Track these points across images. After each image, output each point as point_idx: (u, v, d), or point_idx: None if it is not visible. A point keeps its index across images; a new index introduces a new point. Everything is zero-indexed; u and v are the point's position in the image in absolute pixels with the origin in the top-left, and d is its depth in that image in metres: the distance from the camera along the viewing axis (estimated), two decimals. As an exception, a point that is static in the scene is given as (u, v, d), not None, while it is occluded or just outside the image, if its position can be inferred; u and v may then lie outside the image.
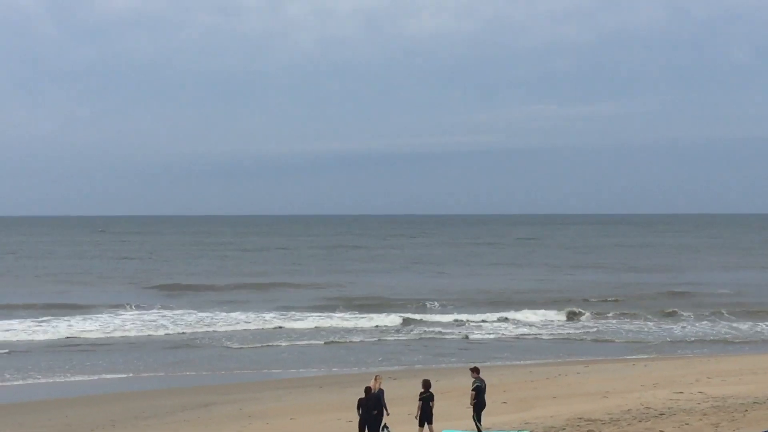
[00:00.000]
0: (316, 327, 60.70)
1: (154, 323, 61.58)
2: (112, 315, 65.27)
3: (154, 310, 68.06)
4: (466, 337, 56.85)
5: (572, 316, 65.91)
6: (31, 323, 60.05)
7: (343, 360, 48.01)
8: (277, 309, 68.78)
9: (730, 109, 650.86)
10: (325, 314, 65.79)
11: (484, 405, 25.41)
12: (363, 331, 59.61)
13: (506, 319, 64.10)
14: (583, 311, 67.56)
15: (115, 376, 43.09)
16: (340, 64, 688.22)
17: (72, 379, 42.21)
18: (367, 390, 24.02)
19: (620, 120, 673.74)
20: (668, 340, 56.31)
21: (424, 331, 59.39)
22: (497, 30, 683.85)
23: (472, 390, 25.23)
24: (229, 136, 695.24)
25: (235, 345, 53.04)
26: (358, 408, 24.06)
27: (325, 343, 54.31)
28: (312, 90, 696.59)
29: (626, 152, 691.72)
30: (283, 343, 53.91)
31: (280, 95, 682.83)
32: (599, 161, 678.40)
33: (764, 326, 61.28)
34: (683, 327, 61.65)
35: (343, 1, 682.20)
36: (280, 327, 60.46)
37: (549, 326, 62.14)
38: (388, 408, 24.24)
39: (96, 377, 42.76)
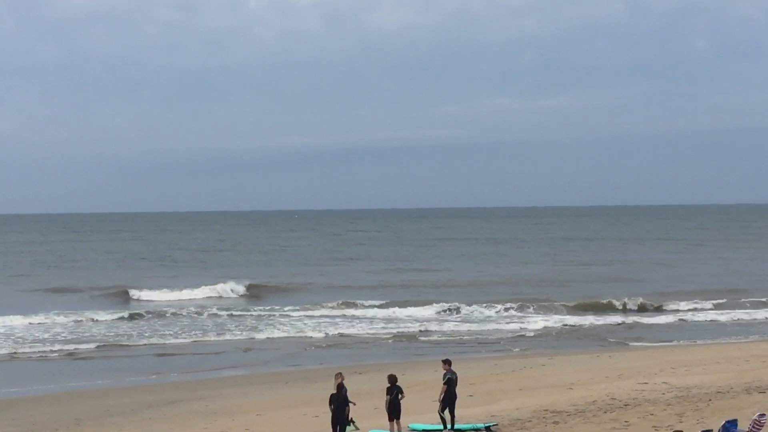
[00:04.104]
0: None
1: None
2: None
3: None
4: None
5: None
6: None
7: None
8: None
9: (695, 99, 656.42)
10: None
11: (455, 397, 25.52)
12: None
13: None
14: None
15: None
16: (302, 59, 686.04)
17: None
18: (339, 386, 24.00)
19: (585, 112, 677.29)
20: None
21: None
22: (459, 24, 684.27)
23: (444, 383, 25.32)
24: (193, 132, 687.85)
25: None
26: (330, 404, 24.08)
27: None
28: (275, 85, 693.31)
29: (591, 144, 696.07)
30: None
31: (244, 91, 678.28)
32: (564, 153, 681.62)
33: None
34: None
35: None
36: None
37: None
38: (352, 401, 24.30)
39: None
